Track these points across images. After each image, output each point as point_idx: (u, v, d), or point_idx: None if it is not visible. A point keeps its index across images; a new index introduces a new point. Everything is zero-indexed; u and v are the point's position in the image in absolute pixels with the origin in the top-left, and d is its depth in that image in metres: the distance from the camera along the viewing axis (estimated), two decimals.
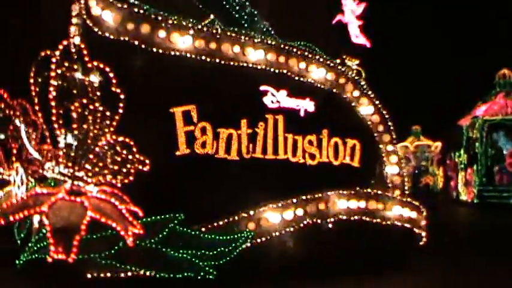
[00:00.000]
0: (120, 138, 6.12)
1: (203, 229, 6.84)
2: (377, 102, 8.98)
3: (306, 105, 8.17)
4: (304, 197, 7.69)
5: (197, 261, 6.61)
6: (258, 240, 7.22)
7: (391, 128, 9.07)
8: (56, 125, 6.12)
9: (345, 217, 7.97)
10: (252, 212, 7.26)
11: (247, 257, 6.92)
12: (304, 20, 8.84)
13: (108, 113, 6.11)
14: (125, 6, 6.74)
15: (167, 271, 6.49)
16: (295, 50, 8.13)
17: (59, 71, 6.09)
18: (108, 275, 6.29)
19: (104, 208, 5.84)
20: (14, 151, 7.38)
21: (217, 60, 7.38)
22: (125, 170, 6.13)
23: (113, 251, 6.26)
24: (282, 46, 8.01)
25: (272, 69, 7.89)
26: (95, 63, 6.20)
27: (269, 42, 7.90)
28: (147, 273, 6.40)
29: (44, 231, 5.96)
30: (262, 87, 7.79)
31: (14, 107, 7.10)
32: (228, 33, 7.52)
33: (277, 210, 7.46)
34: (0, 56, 12.00)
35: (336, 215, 7.91)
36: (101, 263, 6.27)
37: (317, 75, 8.39)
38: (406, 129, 24.88)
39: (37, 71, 6.31)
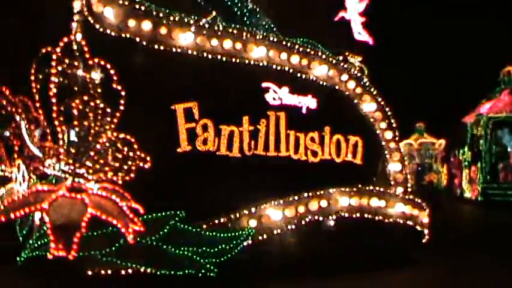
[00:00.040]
0: (121, 135, 6.11)
1: (204, 226, 6.83)
2: (379, 99, 8.95)
3: (308, 102, 8.15)
4: (306, 194, 7.67)
5: (198, 258, 6.59)
6: (260, 237, 7.20)
7: (394, 125, 9.03)
8: (56, 122, 6.12)
9: (346, 214, 7.96)
10: (253, 209, 7.23)
11: (248, 255, 6.91)
12: (306, 17, 8.82)
13: (109, 110, 6.10)
14: (126, 3, 6.72)
15: (168, 268, 6.47)
16: (297, 46, 8.10)
17: (60, 68, 6.09)
18: (109, 272, 6.28)
19: (105, 205, 5.83)
20: (16, 148, 7.41)
21: (219, 57, 7.36)
22: (125, 167, 6.13)
23: (113, 248, 6.26)
24: (284, 43, 7.98)
25: (274, 66, 7.87)
26: (96, 60, 6.21)
27: (271, 39, 7.86)
28: (148, 270, 6.39)
29: (45, 228, 5.95)
30: (264, 84, 7.77)
31: (16, 104, 7.12)
32: (230, 30, 7.49)
33: (278, 207, 7.44)
34: (0, 55, 12.02)
35: (338, 212, 7.89)
36: (101, 260, 6.26)
37: (319, 72, 8.35)
38: (410, 127, 24.81)
39: (38, 67, 6.31)
